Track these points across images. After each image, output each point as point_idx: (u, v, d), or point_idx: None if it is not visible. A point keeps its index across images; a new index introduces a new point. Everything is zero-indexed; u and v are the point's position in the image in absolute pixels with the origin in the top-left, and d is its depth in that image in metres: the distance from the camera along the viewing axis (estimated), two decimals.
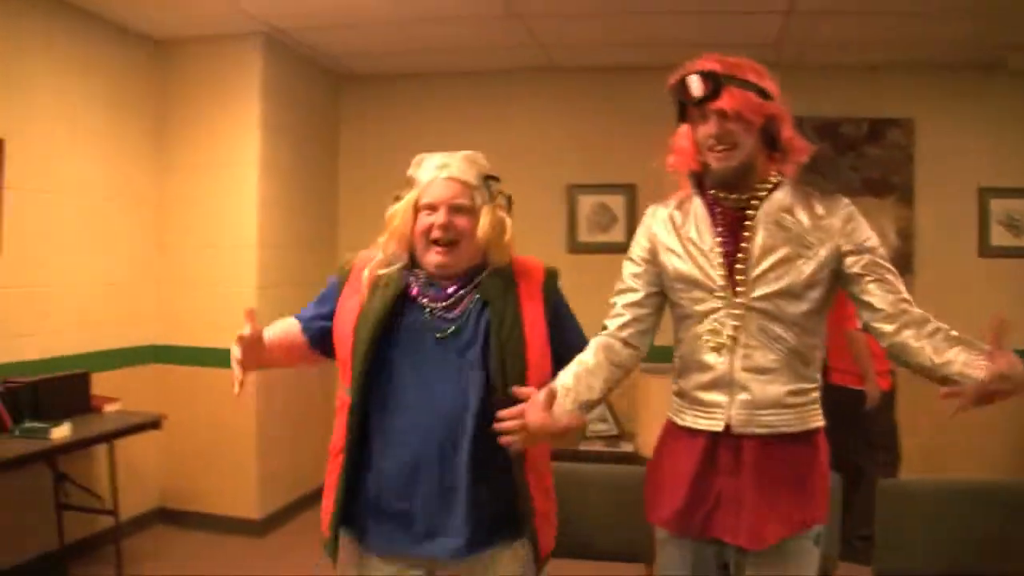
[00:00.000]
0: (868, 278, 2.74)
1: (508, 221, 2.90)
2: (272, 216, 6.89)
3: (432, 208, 2.81)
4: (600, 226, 7.76)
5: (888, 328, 2.69)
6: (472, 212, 2.83)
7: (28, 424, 5.19)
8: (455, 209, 2.81)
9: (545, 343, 2.82)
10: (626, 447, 7.27)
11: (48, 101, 5.90)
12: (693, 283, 2.83)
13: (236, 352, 2.79)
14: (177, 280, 6.91)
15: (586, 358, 2.86)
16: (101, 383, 6.03)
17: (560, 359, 2.84)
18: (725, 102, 2.69)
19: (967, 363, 2.62)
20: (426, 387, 2.71)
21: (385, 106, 8.19)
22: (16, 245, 5.60)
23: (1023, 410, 7.13)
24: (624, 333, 2.92)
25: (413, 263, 2.87)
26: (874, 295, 2.72)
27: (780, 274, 2.75)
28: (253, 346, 2.82)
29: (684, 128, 2.89)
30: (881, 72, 7.37)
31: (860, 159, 7.41)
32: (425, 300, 2.81)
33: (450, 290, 2.81)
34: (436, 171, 2.86)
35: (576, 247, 7.74)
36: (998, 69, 7.23)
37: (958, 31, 6.40)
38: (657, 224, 2.95)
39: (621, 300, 2.97)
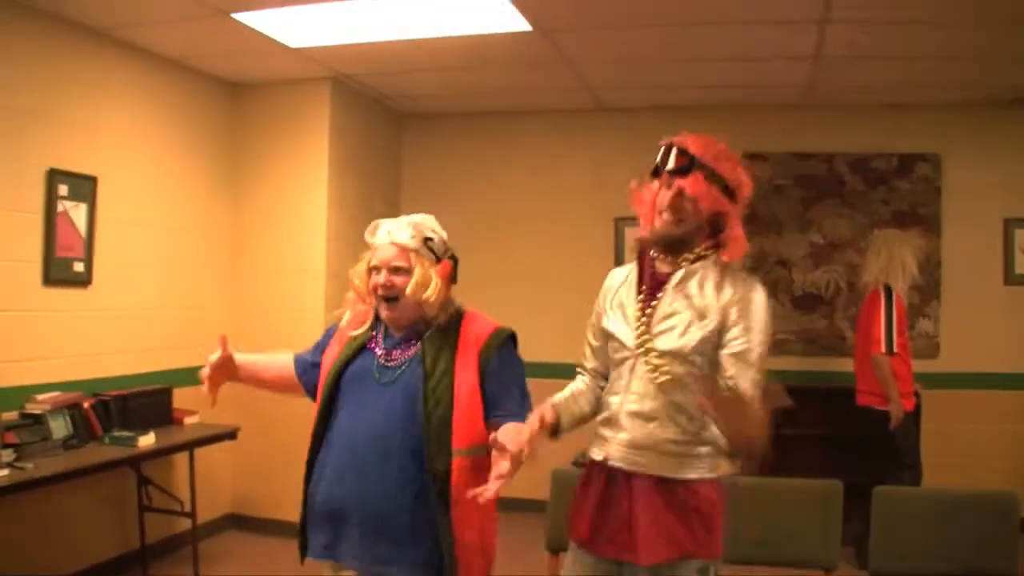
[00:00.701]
0: (731, 338, 2.94)
1: (435, 281, 3.25)
2: (339, 247, 7.38)
3: (377, 269, 3.26)
4: None
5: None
6: (407, 271, 3.24)
7: (117, 433, 5.76)
8: (393, 270, 3.23)
9: (473, 396, 3.17)
10: None
11: (136, 142, 6.51)
12: (612, 336, 3.13)
13: (205, 370, 3.37)
14: (249, 305, 7.46)
15: (578, 385, 3.26)
16: (181, 398, 6.57)
17: (488, 408, 3.20)
18: (688, 184, 2.95)
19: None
20: (362, 421, 3.15)
21: (445, 143, 8.70)
22: (107, 273, 6.19)
23: None
24: (597, 384, 3.28)
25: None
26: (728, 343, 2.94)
27: (672, 337, 2.96)
28: (221, 367, 3.39)
29: (653, 184, 3.13)
30: (909, 110, 7.73)
31: (890, 192, 7.78)
32: (377, 351, 3.28)
33: (403, 346, 3.27)
34: (383, 237, 3.31)
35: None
36: (1019, 105, 7.57)
37: (979, 72, 6.77)
38: (608, 284, 3.28)
39: (588, 364, 3.30)
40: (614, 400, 3.08)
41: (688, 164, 2.96)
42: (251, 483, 7.49)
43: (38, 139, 5.67)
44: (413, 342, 3.26)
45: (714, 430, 2.95)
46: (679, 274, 3.01)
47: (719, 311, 2.94)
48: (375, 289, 3.25)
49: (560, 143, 8.39)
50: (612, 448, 3.04)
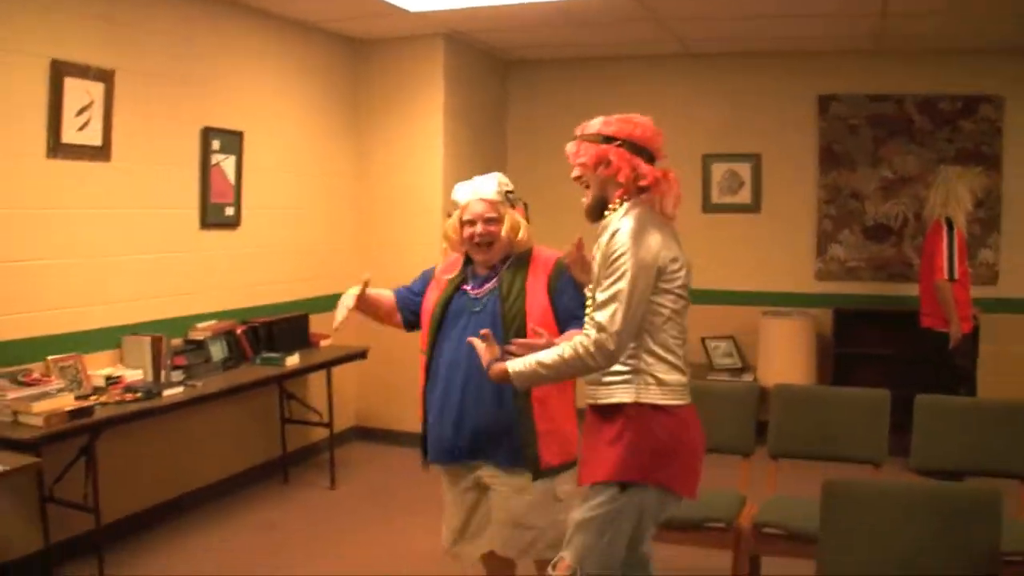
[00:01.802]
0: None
1: (523, 222, 4.00)
2: (453, 187, 8.04)
3: (472, 222, 3.96)
4: (730, 190, 8.82)
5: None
6: (498, 220, 3.96)
7: (266, 355, 6.62)
8: (487, 220, 3.94)
9: (545, 311, 3.84)
10: (747, 377, 8.33)
11: (273, 99, 7.32)
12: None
13: (349, 301, 4.04)
14: (373, 241, 8.29)
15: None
16: (317, 323, 7.43)
17: (560, 320, 3.84)
18: (569, 155, 3.45)
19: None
20: (461, 348, 3.84)
21: (545, 87, 9.34)
22: (252, 216, 7.02)
23: None
24: None
25: (468, 260, 4.07)
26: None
27: (589, 280, 3.44)
28: (357, 303, 4.08)
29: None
30: (974, 55, 8.16)
31: (955, 132, 8.28)
32: (468, 288, 4.00)
33: (486, 282, 3.98)
34: (471, 194, 4.00)
35: (709, 207, 8.80)
36: None
37: None
38: None
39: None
40: None
41: (571, 146, 3.45)
42: (374, 399, 8.31)
43: (194, 101, 6.45)
44: (488, 280, 3.98)
45: (650, 360, 3.27)
46: (598, 238, 3.35)
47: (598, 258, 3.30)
48: (471, 238, 3.91)
49: (651, 85, 8.89)
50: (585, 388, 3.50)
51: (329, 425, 7.16)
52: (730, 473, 4.91)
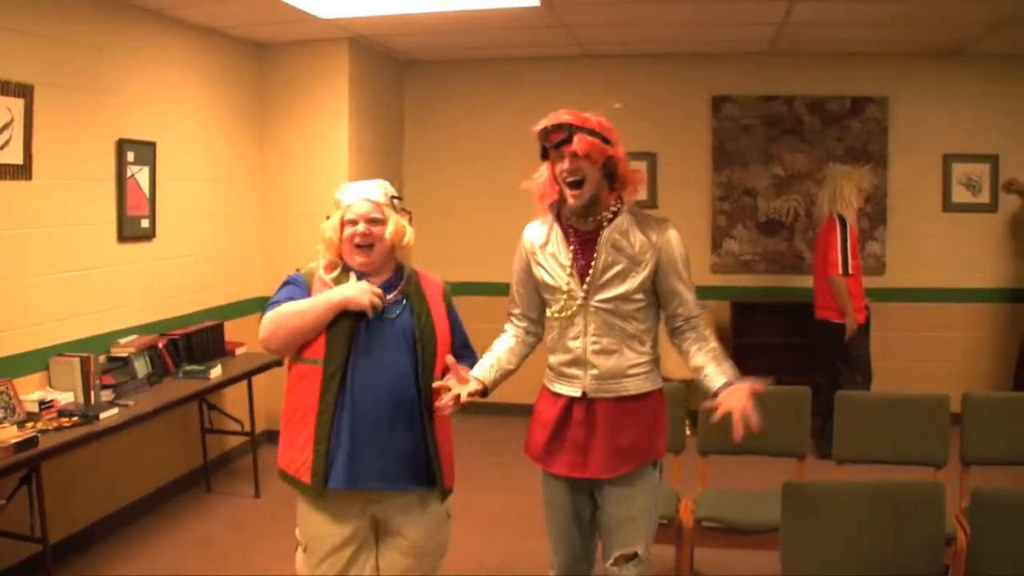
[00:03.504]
0: (672, 298, 3.58)
1: (409, 229, 3.82)
2: None
3: (354, 222, 3.75)
4: None
5: (679, 338, 3.64)
6: (383, 222, 3.76)
7: (188, 367, 6.49)
8: (370, 221, 3.74)
9: (445, 335, 3.80)
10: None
11: (183, 106, 7.13)
12: (554, 289, 3.62)
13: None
14: (281, 244, 8.16)
15: (507, 341, 3.79)
16: (230, 330, 7.32)
17: (455, 349, 3.79)
18: (576, 145, 3.38)
19: (709, 376, 3.51)
20: (379, 356, 3.64)
21: (441, 86, 9.31)
22: (166, 226, 6.85)
23: (971, 337, 8.43)
24: (524, 329, 3.81)
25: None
26: (677, 313, 3.61)
27: (617, 284, 3.51)
28: None
29: (545, 165, 3.58)
30: (862, 58, 8.44)
31: (843, 131, 8.55)
32: None
33: (390, 290, 3.76)
34: (356, 195, 3.81)
35: None
36: (960, 55, 8.33)
37: (920, 30, 7.47)
38: (527, 243, 3.73)
39: (516, 309, 3.81)
40: (574, 344, 3.58)
41: (568, 133, 3.41)
42: (279, 402, 8.10)
43: (109, 113, 6.24)
44: (394, 288, 3.75)
45: (655, 350, 3.62)
46: (606, 231, 3.51)
47: (648, 257, 3.49)
48: (352, 238, 3.67)
49: (548, 85, 8.91)
50: (587, 383, 3.56)
51: (251, 434, 7.06)
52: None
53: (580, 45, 8.29)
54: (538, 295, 3.75)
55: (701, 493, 5.08)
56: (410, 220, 3.85)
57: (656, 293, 3.60)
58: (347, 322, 3.61)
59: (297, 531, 3.85)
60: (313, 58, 8.05)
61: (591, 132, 3.43)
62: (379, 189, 3.79)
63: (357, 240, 3.68)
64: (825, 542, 3.78)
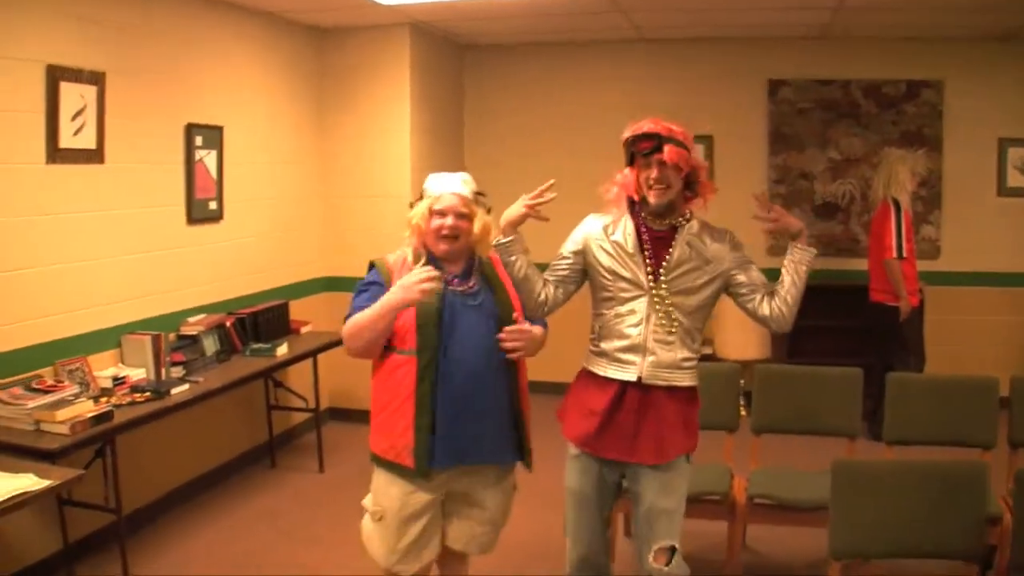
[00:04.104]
0: (750, 286, 3.69)
1: (493, 227, 3.94)
2: (421, 168, 8.04)
3: (442, 214, 3.88)
4: None
5: (766, 304, 3.72)
6: (469, 217, 3.91)
7: (256, 345, 6.62)
8: (458, 215, 3.88)
9: (518, 304, 3.90)
10: (706, 350, 8.36)
11: (248, 91, 7.24)
12: (619, 276, 3.70)
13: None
14: (343, 226, 8.28)
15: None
16: (295, 309, 7.45)
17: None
18: (667, 155, 3.49)
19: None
20: (466, 341, 3.79)
21: (501, 71, 9.35)
22: (233, 208, 6.97)
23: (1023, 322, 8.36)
24: (556, 284, 3.85)
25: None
26: (757, 286, 3.73)
27: (685, 279, 3.63)
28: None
29: (628, 171, 3.69)
30: (917, 42, 8.36)
31: (899, 115, 8.47)
32: (454, 286, 3.86)
33: (467, 279, 3.92)
34: (446, 187, 3.93)
35: None
36: (1015, 39, 8.22)
37: (978, 13, 7.38)
38: (592, 228, 3.81)
39: (558, 266, 3.85)
40: (633, 331, 3.66)
41: (658, 142, 3.51)
42: (346, 380, 8.18)
43: (177, 98, 6.37)
44: (470, 276, 3.93)
45: (699, 349, 3.77)
46: (682, 231, 3.65)
47: (717, 259, 3.64)
48: (439, 229, 3.85)
49: (606, 69, 8.97)
50: (644, 370, 3.64)
51: (315, 410, 7.18)
52: (715, 448, 5.06)
53: (636, 29, 8.29)
54: (573, 282, 3.87)
55: (754, 471, 5.13)
56: (489, 213, 3.97)
57: (731, 293, 3.73)
58: (434, 313, 3.75)
59: (367, 502, 4.00)
60: (375, 43, 8.10)
61: (678, 143, 3.53)
62: (465, 184, 3.93)
63: (445, 232, 3.81)
64: (872, 519, 3.85)
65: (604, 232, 3.77)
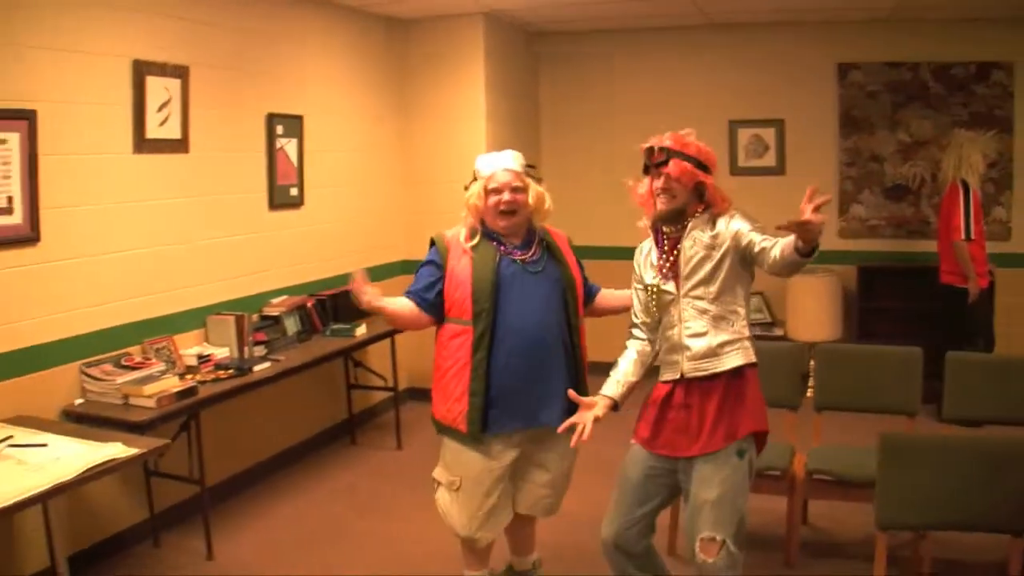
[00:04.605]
0: (754, 241, 3.64)
1: (547, 196, 4.19)
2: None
3: (498, 191, 4.08)
4: (756, 153, 8.93)
5: (775, 251, 3.57)
6: (524, 189, 4.11)
7: (336, 326, 6.80)
8: (513, 189, 4.08)
9: (579, 277, 4.23)
10: (777, 332, 8.51)
11: (327, 81, 7.43)
12: (651, 287, 3.83)
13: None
14: (421, 211, 8.40)
15: (629, 356, 3.94)
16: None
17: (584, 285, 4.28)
18: (671, 169, 3.66)
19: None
20: (523, 307, 4.01)
21: (573, 57, 9.42)
22: (313, 195, 7.16)
23: None
24: (645, 339, 3.97)
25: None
26: (761, 245, 3.62)
27: (698, 269, 3.69)
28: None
29: (645, 180, 3.82)
30: (987, 23, 8.21)
31: (968, 96, 8.37)
32: (511, 254, 4.10)
33: (528, 248, 4.14)
34: (497, 165, 4.13)
35: (736, 170, 8.88)
36: None
37: None
38: (638, 256, 3.93)
39: (636, 319, 3.97)
40: (672, 333, 3.77)
41: (666, 156, 3.69)
42: (424, 360, 8.30)
43: (258, 89, 6.58)
44: (532, 246, 4.15)
45: (744, 328, 3.76)
46: (688, 228, 3.73)
47: (721, 239, 3.66)
48: (497, 205, 4.06)
49: (677, 55, 9.01)
50: (684, 365, 3.73)
51: (394, 389, 7.35)
52: (777, 425, 5.09)
53: (705, 15, 8.31)
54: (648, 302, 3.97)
55: (814, 448, 5.18)
56: (540, 183, 4.19)
57: (743, 264, 3.73)
58: (488, 284, 3.97)
59: (440, 473, 4.22)
60: (450, 32, 8.23)
61: (688, 158, 3.69)
62: (515, 159, 4.13)
63: (503, 207, 4.05)
64: (918, 492, 3.90)
65: (642, 255, 3.93)
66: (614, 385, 3.92)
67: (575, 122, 9.33)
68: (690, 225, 3.74)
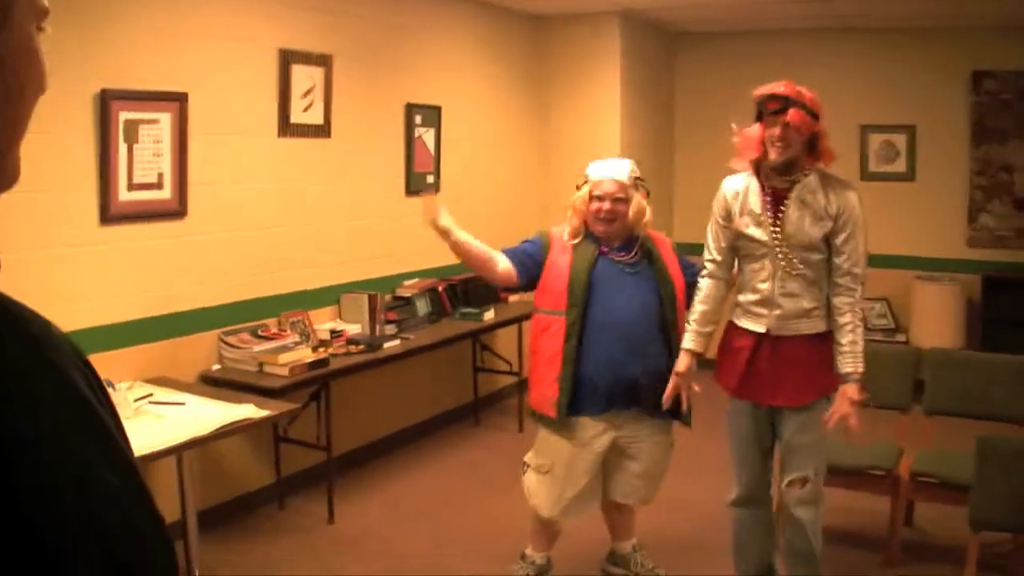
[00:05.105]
0: (842, 251, 3.82)
1: (648, 209, 4.29)
2: (629, 152, 8.18)
3: (601, 198, 4.22)
4: (886, 159, 8.79)
5: (834, 290, 3.86)
6: (626, 200, 4.22)
7: (465, 309, 6.98)
8: (615, 200, 4.21)
9: (680, 280, 4.29)
10: (900, 338, 8.39)
11: (465, 74, 7.62)
12: (749, 236, 3.92)
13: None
14: (555, 203, 8.46)
15: (710, 298, 4.08)
16: None
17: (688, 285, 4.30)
18: (790, 116, 3.69)
19: (841, 358, 3.82)
20: (615, 302, 4.14)
21: (709, 58, 9.41)
22: (450, 182, 7.34)
23: None
24: (720, 271, 4.10)
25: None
26: (839, 265, 3.83)
27: (803, 235, 3.79)
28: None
29: (756, 126, 3.90)
30: None
31: None
32: (611, 254, 4.23)
33: (628, 250, 4.26)
34: (605, 174, 4.26)
35: (867, 175, 8.72)
36: None
37: None
38: (728, 196, 4.03)
39: (713, 248, 4.09)
40: (763, 286, 3.90)
41: (785, 103, 3.72)
42: None
43: (398, 80, 6.79)
44: (632, 248, 4.27)
45: (824, 297, 3.89)
46: (797, 189, 3.82)
47: (831, 214, 3.78)
48: (598, 211, 4.20)
49: (810, 57, 8.86)
50: (771, 322, 3.89)
51: (519, 375, 7.49)
52: (888, 427, 5.21)
53: (839, 18, 8.26)
54: (730, 244, 4.07)
55: (922, 451, 5.15)
56: (647, 196, 4.31)
57: (830, 246, 3.84)
58: (582, 278, 4.13)
59: (531, 457, 4.42)
60: (586, 30, 8.33)
61: (803, 106, 3.73)
62: (625, 169, 4.27)
63: (602, 215, 4.20)
64: (1016, 495, 3.89)
65: (736, 196, 3.99)
66: (697, 338, 4.06)
67: (708, 121, 9.28)
68: (802, 184, 3.83)
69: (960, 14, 7.86)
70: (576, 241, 4.27)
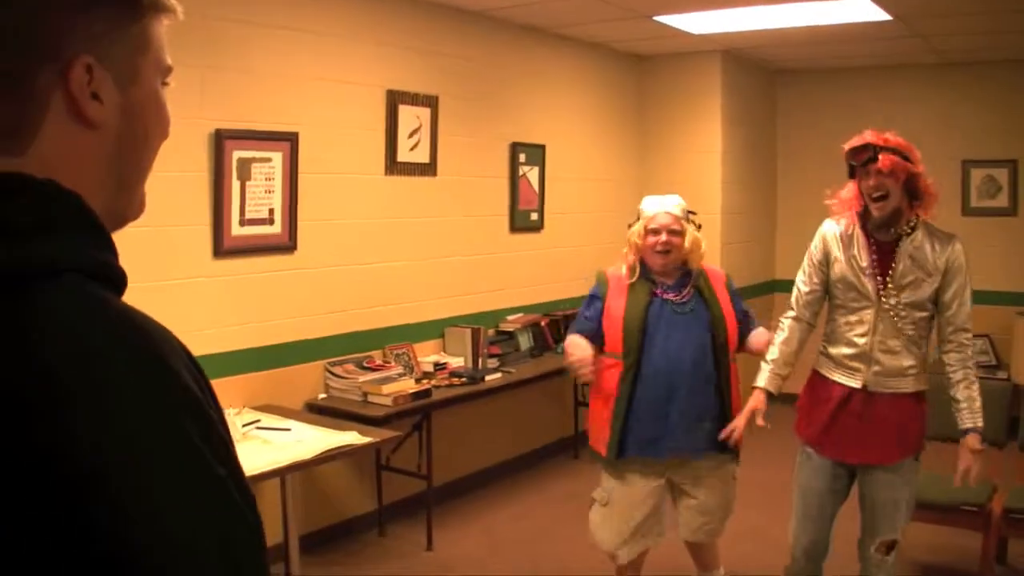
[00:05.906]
0: (950, 306, 3.76)
1: (702, 241, 4.30)
2: (731, 190, 8.38)
3: (656, 232, 4.21)
4: (988, 194, 8.59)
5: (945, 347, 3.82)
6: (681, 233, 4.22)
7: None
8: (671, 232, 4.20)
9: (731, 313, 4.27)
10: (1001, 375, 8.10)
11: (569, 114, 7.70)
12: (850, 287, 3.83)
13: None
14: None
15: (791, 341, 4.03)
16: None
17: (738, 320, 4.30)
18: (882, 163, 3.60)
19: (959, 414, 3.75)
20: (670, 344, 4.12)
21: (809, 94, 9.34)
22: (552, 221, 7.43)
23: None
24: (807, 314, 4.05)
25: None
26: (950, 320, 3.78)
27: (912, 291, 3.72)
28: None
29: (850, 185, 3.85)
30: None
31: None
32: (663, 294, 4.22)
33: (681, 290, 4.23)
34: (659, 207, 4.27)
35: (968, 211, 8.54)
36: None
37: None
38: (829, 238, 3.94)
39: (804, 290, 4.01)
40: (861, 340, 3.80)
41: (873, 152, 3.64)
42: None
43: (503, 119, 6.90)
44: (684, 287, 4.25)
45: (925, 356, 3.84)
46: (904, 243, 3.73)
47: (939, 269, 3.70)
48: (654, 245, 4.20)
49: (910, 92, 8.76)
50: (869, 378, 3.80)
51: None
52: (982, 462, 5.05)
53: (937, 53, 8.12)
54: (823, 288, 4.00)
55: (1016, 487, 5.05)
56: (699, 229, 4.35)
57: (936, 302, 3.78)
58: (637, 323, 4.15)
59: (597, 492, 4.44)
60: (688, 69, 8.35)
61: (893, 151, 3.64)
62: (676, 205, 4.31)
63: (659, 248, 4.21)
64: None
65: (840, 242, 3.91)
66: (772, 378, 4.02)
67: (810, 157, 9.25)
68: (907, 240, 3.76)
69: None
70: (633, 279, 4.29)
